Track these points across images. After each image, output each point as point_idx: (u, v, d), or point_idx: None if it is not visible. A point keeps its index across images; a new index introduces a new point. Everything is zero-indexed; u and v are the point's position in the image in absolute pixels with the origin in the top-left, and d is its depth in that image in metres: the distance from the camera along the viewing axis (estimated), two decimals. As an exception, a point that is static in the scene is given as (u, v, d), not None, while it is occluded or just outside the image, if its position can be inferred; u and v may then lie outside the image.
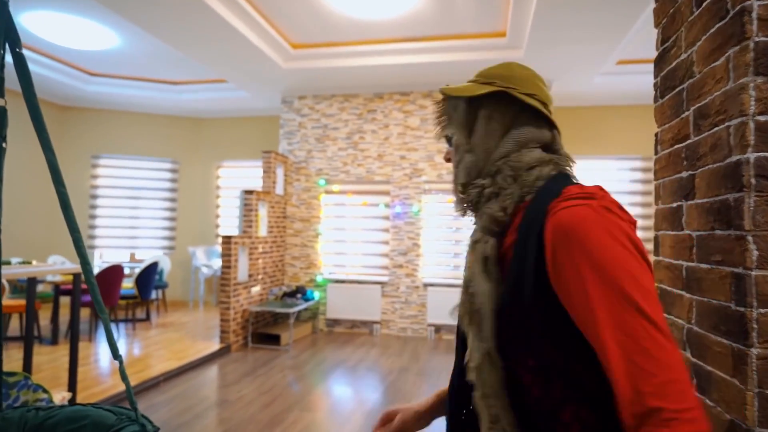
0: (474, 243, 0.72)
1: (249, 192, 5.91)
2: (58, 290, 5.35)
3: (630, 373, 0.53)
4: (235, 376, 4.52)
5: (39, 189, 7.57)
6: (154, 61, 6.44)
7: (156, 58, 6.29)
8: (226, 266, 5.45)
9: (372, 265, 6.58)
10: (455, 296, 6.24)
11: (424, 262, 6.44)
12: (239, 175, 8.45)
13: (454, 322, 0.76)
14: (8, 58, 1.22)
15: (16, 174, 7.16)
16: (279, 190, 6.61)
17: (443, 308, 6.22)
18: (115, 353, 1.32)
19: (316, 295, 6.57)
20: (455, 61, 5.52)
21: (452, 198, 0.81)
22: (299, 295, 6.19)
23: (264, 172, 6.37)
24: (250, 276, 5.82)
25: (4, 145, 1.59)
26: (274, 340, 5.83)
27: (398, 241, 6.50)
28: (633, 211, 6.87)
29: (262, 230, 6.14)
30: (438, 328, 6.32)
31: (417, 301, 6.39)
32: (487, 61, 5.49)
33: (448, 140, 0.82)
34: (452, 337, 6.29)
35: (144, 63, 6.53)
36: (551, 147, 0.76)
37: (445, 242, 6.41)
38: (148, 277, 6.04)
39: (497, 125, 0.75)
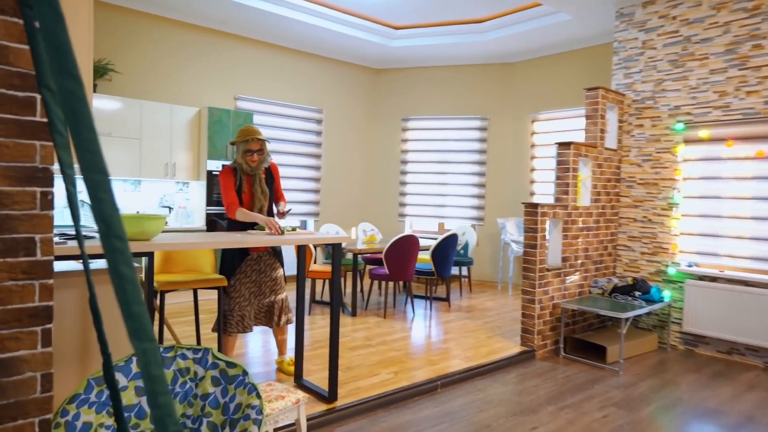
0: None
1: (564, 145, 4.74)
2: (355, 258, 5.44)
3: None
4: (532, 400, 3.54)
5: (352, 159, 8.32)
6: (453, -4, 5.92)
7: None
8: (531, 245, 4.52)
9: (771, 257, 4.33)
10: None
11: None
12: (559, 128, 7.35)
13: None
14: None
15: (332, 147, 8.01)
16: (610, 142, 5.20)
17: None
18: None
19: (666, 295, 4.88)
20: None
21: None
22: (638, 293, 4.76)
23: (587, 117, 5.04)
24: (564, 260, 4.74)
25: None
26: (598, 352, 4.60)
27: (830, 220, 3.99)
28: None
29: (584, 198, 4.97)
30: None
31: None
32: None
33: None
34: None
35: (444, 2, 6.12)
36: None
37: None
38: (446, 251, 5.61)
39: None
